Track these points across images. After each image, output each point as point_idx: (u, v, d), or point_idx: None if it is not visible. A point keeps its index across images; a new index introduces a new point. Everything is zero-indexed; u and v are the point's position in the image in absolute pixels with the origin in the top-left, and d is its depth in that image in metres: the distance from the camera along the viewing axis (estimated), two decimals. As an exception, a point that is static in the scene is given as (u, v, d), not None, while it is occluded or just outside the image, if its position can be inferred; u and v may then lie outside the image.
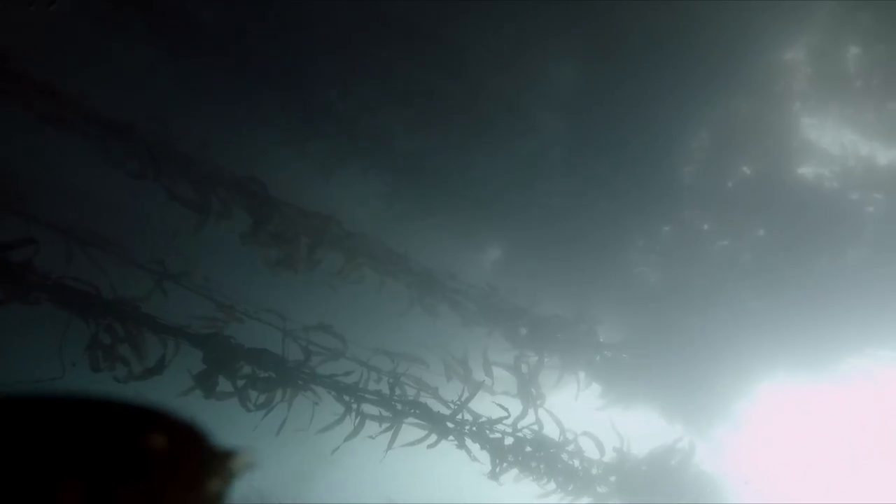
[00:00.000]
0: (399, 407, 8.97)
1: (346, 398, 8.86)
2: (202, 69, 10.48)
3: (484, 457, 9.59)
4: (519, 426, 9.80)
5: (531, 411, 9.96)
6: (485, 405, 9.82)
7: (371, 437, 8.52)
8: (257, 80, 10.86)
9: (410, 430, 9.18)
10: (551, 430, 10.28)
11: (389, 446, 8.69)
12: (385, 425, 8.87)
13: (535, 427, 9.93)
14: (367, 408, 8.89)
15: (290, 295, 9.63)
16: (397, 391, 8.97)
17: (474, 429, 9.31)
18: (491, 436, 9.63)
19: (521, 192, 11.97)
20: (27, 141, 8.84)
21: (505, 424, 9.67)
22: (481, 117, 11.79)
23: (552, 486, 10.28)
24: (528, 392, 10.51)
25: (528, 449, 9.68)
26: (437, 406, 9.43)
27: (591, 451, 10.61)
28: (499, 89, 11.78)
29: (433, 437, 9.12)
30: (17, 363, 7.95)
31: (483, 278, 11.40)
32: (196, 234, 8.83)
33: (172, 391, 7.98)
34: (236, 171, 9.52)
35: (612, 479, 10.89)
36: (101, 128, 8.19)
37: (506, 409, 9.32)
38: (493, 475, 9.36)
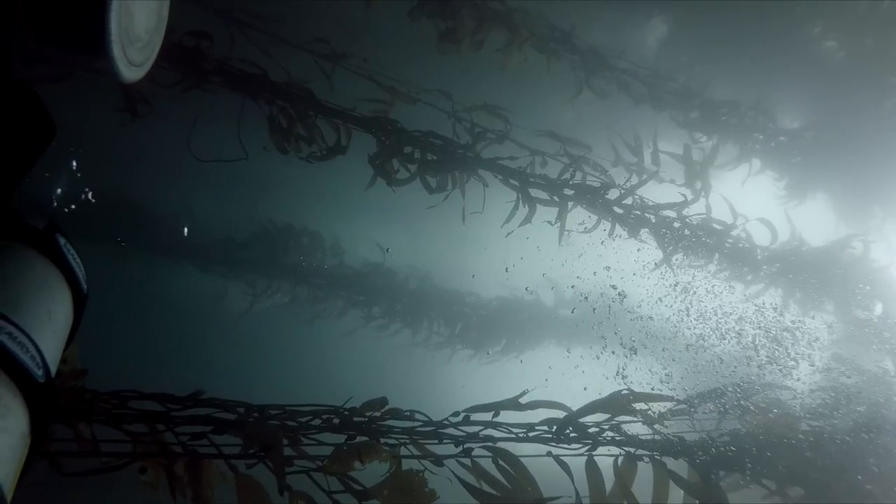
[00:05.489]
0: (568, 192, 8.78)
1: (514, 182, 8.74)
2: None
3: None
4: (686, 213, 9.41)
5: (701, 198, 9.51)
6: (649, 192, 9.43)
7: (549, 222, 8.42)
8: None
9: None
10: (720, 216, 9.85)
11: (560, 234, 8.59)
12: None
13: (703, 214, 9.52)
14: (536, 193, 8.74)
15: (454, 79, 9.28)
16: (566, 176, 8.72)
17: (644, 214, 9.03)
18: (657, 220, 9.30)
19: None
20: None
21: (672, 209, 9.28)
22: None
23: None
24: (697, 180, 10.03)
25: (699, 233, 9.34)
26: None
27: (760, 237, 10.14)
28: None
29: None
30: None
31: (648, 56, 10.50)
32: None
33: (358, 183, 8.14)
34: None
35: (778, 265, 10.45)
36: None
37: (683, 195, 8.90)
38: (666, 259, 9.17)
